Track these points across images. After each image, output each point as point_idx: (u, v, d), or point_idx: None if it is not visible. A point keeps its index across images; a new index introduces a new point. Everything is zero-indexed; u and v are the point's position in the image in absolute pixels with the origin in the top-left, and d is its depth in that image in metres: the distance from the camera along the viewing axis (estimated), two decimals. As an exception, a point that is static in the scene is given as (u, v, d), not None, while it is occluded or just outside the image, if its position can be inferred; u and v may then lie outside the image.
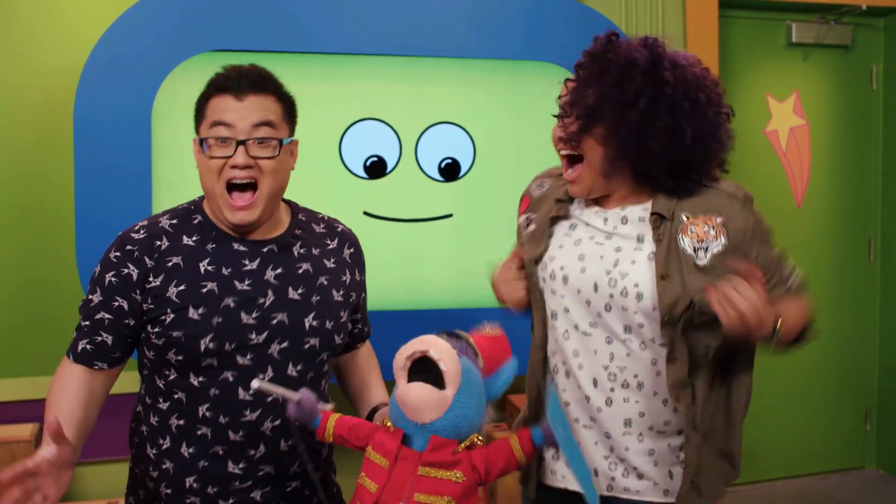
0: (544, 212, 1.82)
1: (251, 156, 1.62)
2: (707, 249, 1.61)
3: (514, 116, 3.10)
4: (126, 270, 1.64)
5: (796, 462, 4.26)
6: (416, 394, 1.37)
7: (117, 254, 1.66)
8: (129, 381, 3.12)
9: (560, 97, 1.75)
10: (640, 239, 1.67)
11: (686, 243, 1.62)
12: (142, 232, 1.68)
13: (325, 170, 2.96)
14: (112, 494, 3.15)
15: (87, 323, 1.68)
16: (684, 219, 1.63)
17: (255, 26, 2.83)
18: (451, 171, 3.08)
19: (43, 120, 3.03)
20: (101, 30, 2.80)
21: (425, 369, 1.39)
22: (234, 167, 1.61)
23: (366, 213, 3.00)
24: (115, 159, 2.73)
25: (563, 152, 1.72)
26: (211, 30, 2.80)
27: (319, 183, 2.95)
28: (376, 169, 3.01)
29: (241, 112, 1.62)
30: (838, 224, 4.27)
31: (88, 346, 1.67)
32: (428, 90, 3.04)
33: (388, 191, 3.03)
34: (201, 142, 1.65)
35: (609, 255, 1.67)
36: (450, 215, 3.09)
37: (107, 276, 1.65)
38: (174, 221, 1.71)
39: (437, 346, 1.39)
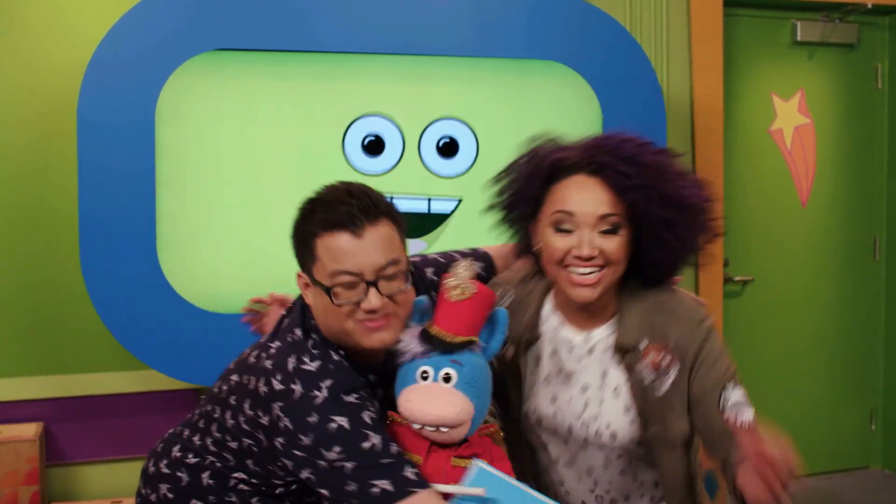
0: (517, 334, 1.73)
1: (383, 294, 1.51)
2: (664, 379, 1.60)
3: (518, 115, 3.08)
4: (372, 406, 1.52)
5: (800, 462, 4.22)
6: (444, 437, 1.50)
7: (351, 397, 1.50)
8: (126, 381, 3.14)
9: (566, 213, 1.59)
10: (604, 375, 1.67)
11: (645, 374, 1.61)
12: (345, 369, 1.54)
13: (328, 170, 2.95)
14: (113, 494, 3.15)
15: (392, 456, 1.47)
16: (644, 345, 1.61)
17: (259, 25, 2.82)
18: (449, 149, 3.04)
19: (46, 120, 3.03)
20: (104, 29, 2.79)
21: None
22: (368, 311, 1.50)
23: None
24: (119, 159, 2.71)
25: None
26: (214, 29, 2.79)
27: (321, 181, 2.93)
28: (374, 148, 2.98)
29: (364, 254, 1.49)
30: (843, 223, 4.24)
31: (413, 470, 1.48)
32: (432, 90, 3.02)
33: (392, 188, 3.00)
34: (318, 284, 1.52)
35: (577, 399, 1.68)
36: (452, 212, 3.07)
37: (363, 414, 1.48)
38: (340, 357, 1.56)
39: (444, 420, 1.48)
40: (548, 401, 1.71)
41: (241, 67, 2.85)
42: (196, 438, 1.66)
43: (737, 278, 4.01)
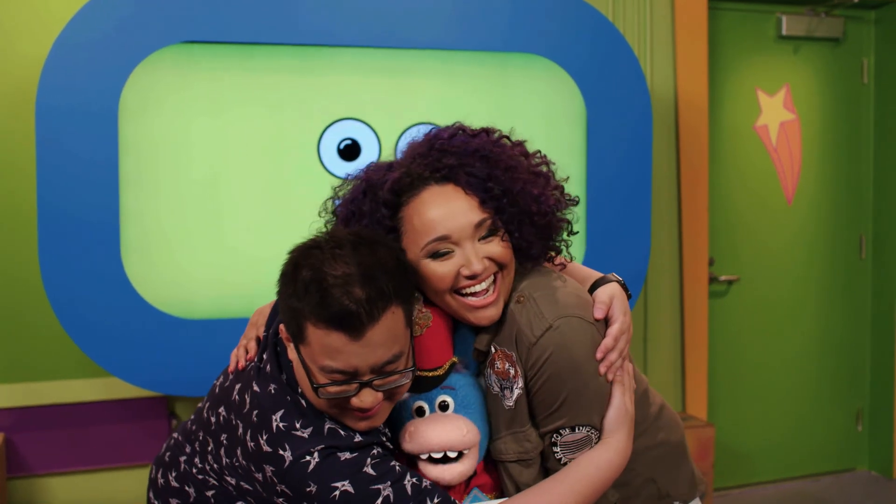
0: None
1: (379, 390, 1.35)
2: (512, 389, 1.44)
3: (498, 111, 2.98)
4: (374, 449, 1.39)
5: (787, 464, 4.19)
6: (455, 474, 1.44)
7: (346, 454, 1.36)
8: (90, 388, 3.02)
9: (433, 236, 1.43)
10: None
11: (493, 380, 1.47)
12: (338, 434, 1.39)
13: (303, 170, 2.83)
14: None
15: (409, 497, 1.37)
16: (493, 350, 1.47)
17: (229, 17, 2.71)
18: (350, 152, 2.89)
19: (8, 112, 2.91)
20: (69, 17, 2.66)
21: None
22: (359, 408, 1.35)
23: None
24: (80, 155, 2.59)
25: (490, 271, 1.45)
26: (182, 20, 2.67)
27: (296, 183, 2.82)
28: (351, 153, 2.86)
29: (361, 354, 1.30)
30: (829, 221, 4.19)
31: (438, 499, 1.40)
32: (408, 84, 2.91)
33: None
34: (303, 363, 1.35)
35: None
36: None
37: (366, 468, 1.35)
38: (334, 426, 1.40)
39: (452, 443, 1.42)
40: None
41: (211, 61, 2.73)
42: (197, 460, 1.54)
43: (722, 278, 3.95)
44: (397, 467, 1.37)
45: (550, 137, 2.99)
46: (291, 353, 1.40)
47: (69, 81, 2.58)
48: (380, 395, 1.35)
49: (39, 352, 2.99)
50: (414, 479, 1.36)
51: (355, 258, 1.30)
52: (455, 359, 1.48)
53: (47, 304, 2.72)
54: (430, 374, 1.44)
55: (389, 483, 1.34)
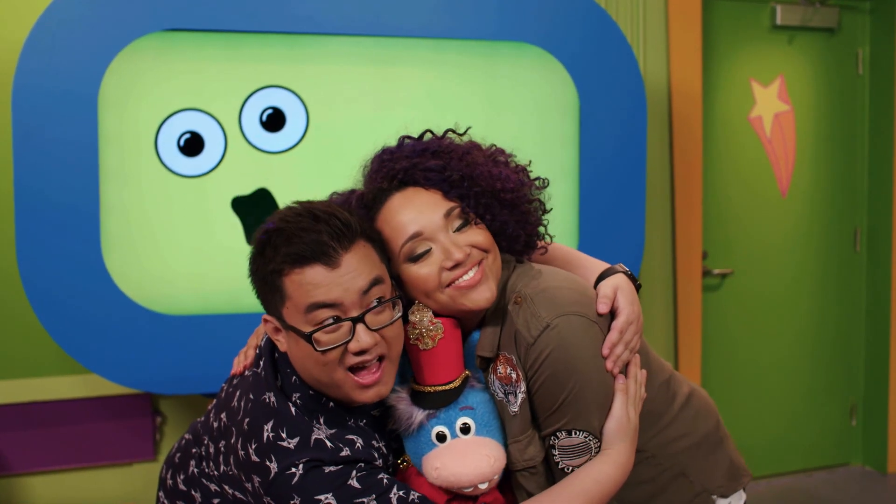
0: None
1: (373, 330, 1.33)
2: (515, 394, 1.40)
3: (488, 101, 2.92)
4: (362, 463, 1.36)
5: (780, 459, 4.16)
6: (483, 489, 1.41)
7: (331, 467, 1.32)
8: (72, 385, 2.95)
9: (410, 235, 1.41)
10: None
11: (497, 386, 1.43)
12: (327, 448, 1.35)
13: (289, 163, 2.77)
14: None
15: (398, 492, 1.34)
16: (497, 355, 1.43)
17: (213, 4, 2.64)
18: (274, 122, 2.80)
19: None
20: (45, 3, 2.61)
21: None
22: (358, 353, 1.32)
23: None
24: (58, 148, 2.51)
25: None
26: (164, 7, 2.60)
27: (282, 175, 2.76)
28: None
29: (344, 282, 1.30)
30: (824, 214, 4.15)
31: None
32: (397, 73, 2.84)
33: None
34: (292, 329, 1.33)
35: None
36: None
37: (351, 482, 1.31)
38: (332, 430, 1.39)
39: (484, 477, 1.38)
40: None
41: (194, 50, 2.66)
42: (204, 464, 1.53)
43: (716, 271, 3.90)
44: (384, 480, 1.33)
45: (542, 128, 2.93)
46: (282, 341, 1.38)
47: (47, 67, 2.51)
48: (377, 336, 1.33)
49: (18, 348, 2.93)
50: (401, 492, 1.32)
51: (315, 209, 1.34)
52: (468, 372, 1.44)
53: (26, 299, 2.65)
54: (445, 387, 1.40)
55: (374, 496, 1.30)
